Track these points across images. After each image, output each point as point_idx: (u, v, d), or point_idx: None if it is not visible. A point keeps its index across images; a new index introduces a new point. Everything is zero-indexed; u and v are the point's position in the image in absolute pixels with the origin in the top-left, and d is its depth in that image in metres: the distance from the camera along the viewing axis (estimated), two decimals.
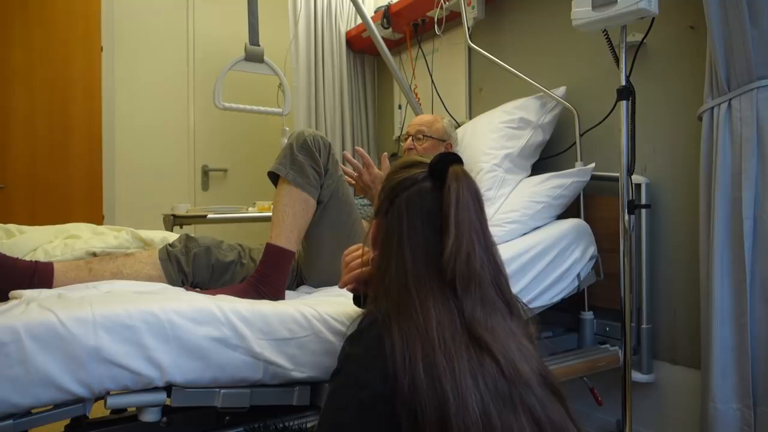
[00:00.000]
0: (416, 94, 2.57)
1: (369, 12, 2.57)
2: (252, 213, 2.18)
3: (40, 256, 1.25)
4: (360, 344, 0.70)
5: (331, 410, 0.67)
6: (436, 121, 1.93)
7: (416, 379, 0.62)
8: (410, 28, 2.56)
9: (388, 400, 0.63)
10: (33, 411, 0.87)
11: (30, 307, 0.90)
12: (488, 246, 0.76)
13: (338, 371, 0.70)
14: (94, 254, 1.31)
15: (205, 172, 3.31)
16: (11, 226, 1.35)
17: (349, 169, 1.60)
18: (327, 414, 0.68)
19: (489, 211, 1.69)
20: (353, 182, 1.62)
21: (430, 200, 0.76)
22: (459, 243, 0.71)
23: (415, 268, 0.73)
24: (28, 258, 1.23)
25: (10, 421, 0.84)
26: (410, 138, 1.89)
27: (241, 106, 2.12)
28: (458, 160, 0.77)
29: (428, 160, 0.79)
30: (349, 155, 1.59)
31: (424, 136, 1.88)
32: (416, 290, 0.71)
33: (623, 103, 1.36)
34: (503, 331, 0.70)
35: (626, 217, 1.37)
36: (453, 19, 2.29)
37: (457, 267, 0.70)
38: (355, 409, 0.64)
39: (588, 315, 1.73)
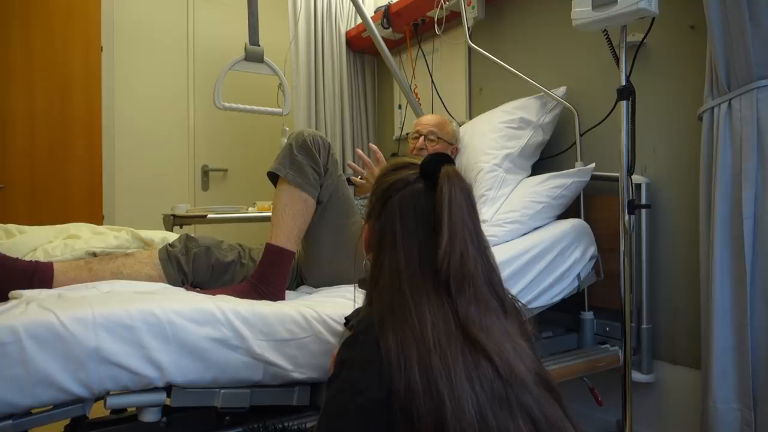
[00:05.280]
0: (416, 94, 2.57)
1: (369, 12, 2.57)
2: (252, 213, 2.18)
3: (40, 256, 1.25)
4: (355, 349, 0.70)
5: (328, 416, 0.67)
6: (446, 123, 1.93)
7: (412, 383, 0.62)
8: (410, 28, 2.56)
9: (385, 404, 0.62)
10: (33, 411, 0.87)
11: (30, 307, 0.90)
12: (481, 246, 0.75)
13: (335, 377, 0.70)
14: (94, 254, 1.31)
15: (205, 172, 3.30)
16: (11, 226, 1.35)
17: (359, 168, 1.60)
18: (325, 420, 0.67)
19: (489, 211, 1.69)
20: (362, 181, 1.62)
21: (423, 201, 0.75)
22: (452, 243, 0.70)
23: (409, 270, 0.72)
24: (28, 258, 1.23)
25: (10, 421, 0.84)
26: (422, 137, 1.88)
27: (241, 106, 2.12)
28: (449, 160, 0.77)
29: (418, 161, 0.79)
30: (360, 152, 1.59)
31: (437, 137, 1.87)
32: (410, 292, 0.70)
33: (623, 103, 1.36)
34: (498, 330, 0.69)
35: (626, 217, 1.37)
36: (453, 19, 2.29)
37: (451, 267, 0.70)
38: (353, 414, 0.64)
39: (588, 315, 1.73)
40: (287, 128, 2.18)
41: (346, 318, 1.00)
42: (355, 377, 0.66)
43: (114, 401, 0.91)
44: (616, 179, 1.40)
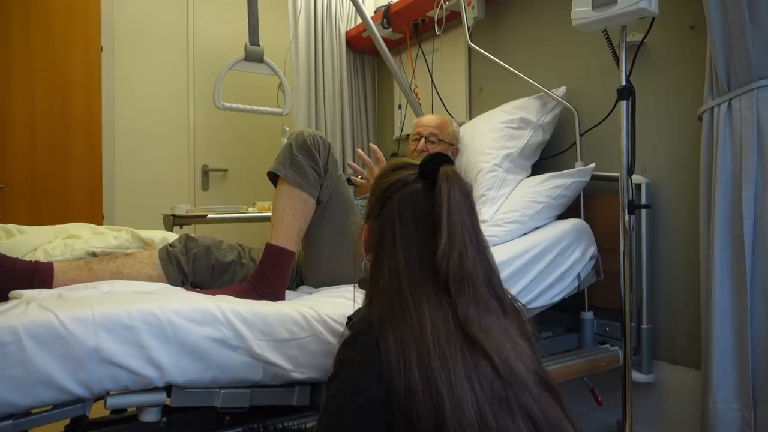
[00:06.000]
0: (416, 94, 2.57)
1: (369, 12, 2.57)
2: (252, 213, 2.18)
3: (40, 256, 1.25)
4: (355, 349, 0.70)
5: (328, 416, 0.67)
6: (447, 124, 1.93)
7: (412, 383, 0.62)
8: (410, 28, 2.56)
9: (385, 404, 0.62)
10: (33, 411, 0.87)
11: (30, 307, 0.90)
12: (480, 246, 0.75)
13: (334, 377, 0.70)
14: (94, 254, 1.31)
15: (205, 172, 3.31)
16: (11, 226, 1.35)
17: (360, 168, 1.60)
18: (324, 420, 0.67)
19: (489, 211, 1.69)
20: (363, 181, 1.62)
21: (422, 201, 0.75)
22: (451, 243, 0.70)
23: (408, 270, 0.72)
24: (28, 258, 1.23)
25: (10, 421, 0.84)
26: (423, 139, 1.88)
27: (241, 106, 2.12)
28: (448, 160, 0.77)
29: (417, 161, 0.79)
30: (361, 152, 1.59)
31: (438, 140, 1.87)
32: (410, 292, 0.70)
33: (623, 103, 1.36)
34: (497, 330, 0.69)
35: (626, 217, 1.37)
36: (453, 19, 2.29)
37: (450, 267, 0.70)
38: (353, 414, 0.64)
39: (588, 315, 1.73)
40: (287, 128, 2.18)
41: (348, 317, 1.00)
42: (355, 377, 0.66)
43: (114, 401, 0.91)
44: (616, 179, 1.40)
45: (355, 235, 1.40)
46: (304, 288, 1.49)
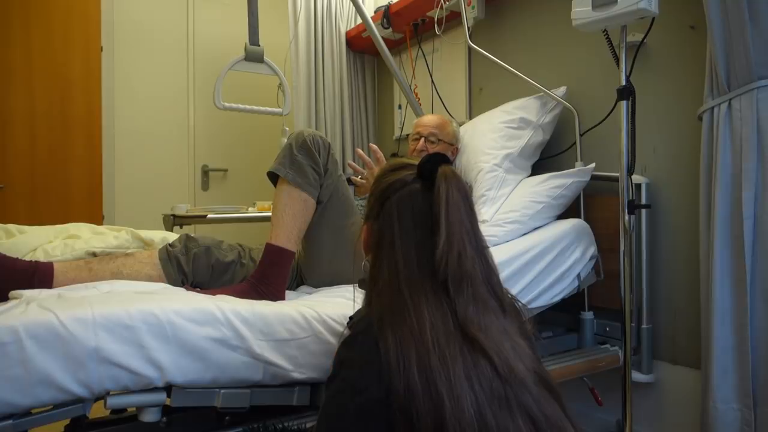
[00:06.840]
0: (416, 94, 2.57)
1: (369, 12, 2.57)
2: (252, 213, 2.18)
3: (40, 256, 1.25)
4: (355, 349, 0.70)
5: (328, 416, 0.67)
6: (447, 124, 1.93)
7: (411, 383, 0.62)
8: (410, 28, 2.56)
9: (384, 404, 0.62)
10: (33, 411, 0.87)
11: (30, 307, 0.90)
12: (479, 246, 0.75)
13: (334, 377, 0.70)
14: (94, 254, 1.31)
15: (205, 172, 3.31)
16: (11, 226, 1.35)
17: (359, 167, 1.60)
18: (324, 420, 0.67)
19: (489, 211, 1.69)
20: (363, 181, 1.62)
21: (420, 201, 0.75)
22: (450, 243, 0.70)
23: (407, 270, 0.72)
24: (28, 258, 1.23)
25: (10, 421, 0.84)
26: (422, 139, 1.88)
27: (241, 106, 2.12)
28: (446, 161, 0.77)
29: (416, 162, 0.79)
30: (361, 151, 1.59)
31: (438, 139, 1.87)
32: (409, 292, 0.70)
33: (623, 103, 1.36)
34: (497, 330, 0.69)
35: (626, 217, 1.37)
36: (453, 19, 2.29)
37: (449, 267, 0.70)
38: (352, 414, 0.64)
39: (588, 315, 1.73)
40: (287, 128, 2.18)
41: (349, 317, 1.00)
42: (355, 377, 0.66)
43: (114, 401, 0.91)
44: (616, 179, 1.40)
45: (355, 235, 1.40)
46: (304, 288, 1.49)
